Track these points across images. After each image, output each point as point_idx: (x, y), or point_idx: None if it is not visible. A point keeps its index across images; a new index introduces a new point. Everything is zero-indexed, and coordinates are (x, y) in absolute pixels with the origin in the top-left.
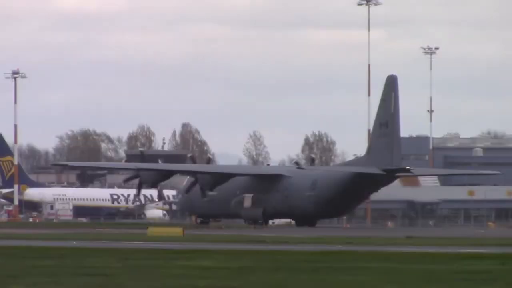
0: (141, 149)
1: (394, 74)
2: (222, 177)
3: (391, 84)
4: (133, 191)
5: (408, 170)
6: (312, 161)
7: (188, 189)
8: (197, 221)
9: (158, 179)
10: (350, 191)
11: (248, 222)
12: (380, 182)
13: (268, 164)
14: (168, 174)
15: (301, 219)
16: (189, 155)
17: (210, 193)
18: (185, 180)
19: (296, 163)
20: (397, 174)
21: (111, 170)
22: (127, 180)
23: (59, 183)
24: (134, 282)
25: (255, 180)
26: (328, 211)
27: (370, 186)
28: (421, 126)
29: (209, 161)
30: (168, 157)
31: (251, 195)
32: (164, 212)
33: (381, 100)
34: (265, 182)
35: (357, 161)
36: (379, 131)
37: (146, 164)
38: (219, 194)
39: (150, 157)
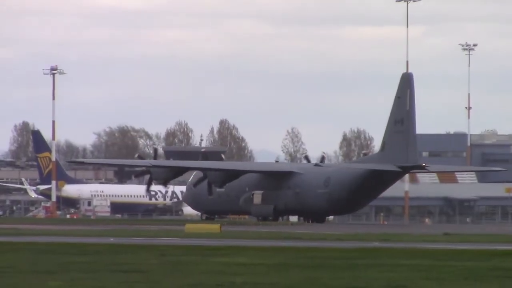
0: (155, 146)
1: (410, 72)
2: (232, 174)
3: (407, 81)
4: (171, 188)
5: (423, 167)
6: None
7: (196, 185)
8: (203, 217)
9: (169, 176)
10: (365, 188)
11: (259, 219)
12: (394, 179)
13: (276, 161)
14: (180, 171)
15: (312, 216)
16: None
17: (218, 189)
18: (192, 175)
19: (306, 157)
20: (412, 171)
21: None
22: (137, 176)
23: (97, 180)
24: (171, 279)
25: (265, 177)
26: (341, 208)
27: (385, 183)
28: (459, 123)
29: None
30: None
31: (261, 192)
32: None
33: (396, 97)
34: (275, 179)
35: (371, 158)
36: (394, 128)
37: (159, 161)
38: (227, 191)
39: (188, 153)
